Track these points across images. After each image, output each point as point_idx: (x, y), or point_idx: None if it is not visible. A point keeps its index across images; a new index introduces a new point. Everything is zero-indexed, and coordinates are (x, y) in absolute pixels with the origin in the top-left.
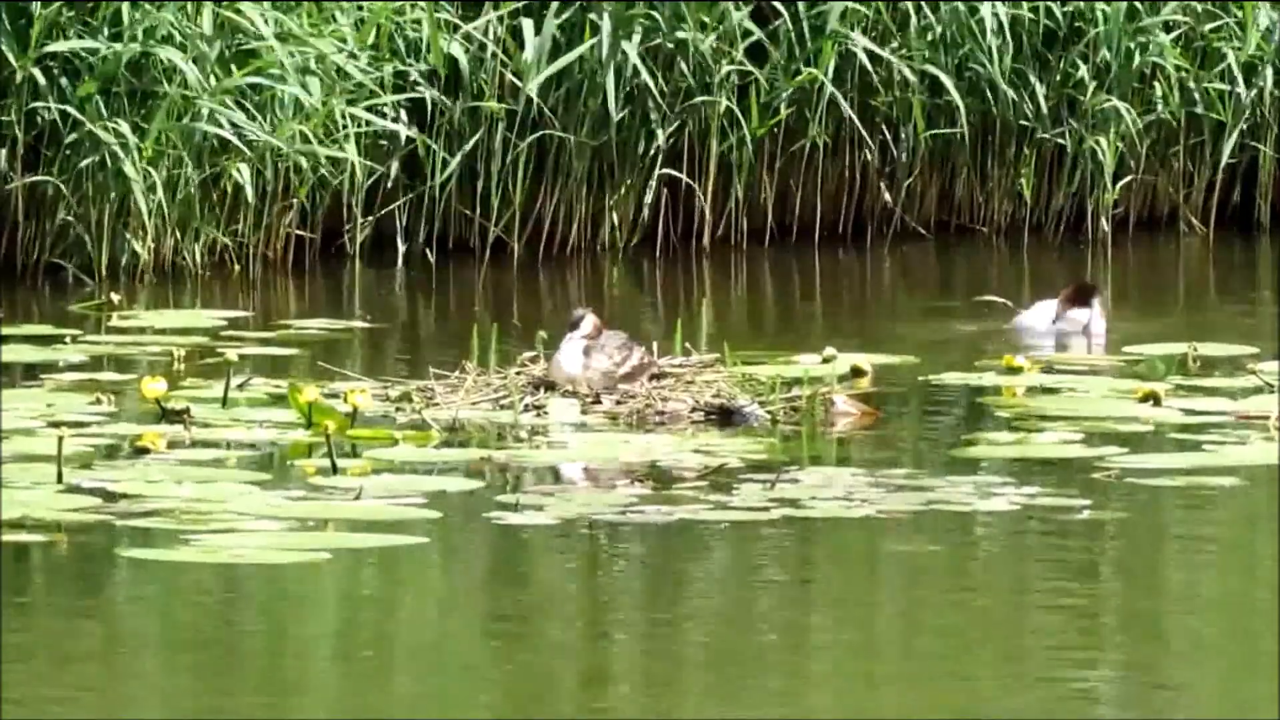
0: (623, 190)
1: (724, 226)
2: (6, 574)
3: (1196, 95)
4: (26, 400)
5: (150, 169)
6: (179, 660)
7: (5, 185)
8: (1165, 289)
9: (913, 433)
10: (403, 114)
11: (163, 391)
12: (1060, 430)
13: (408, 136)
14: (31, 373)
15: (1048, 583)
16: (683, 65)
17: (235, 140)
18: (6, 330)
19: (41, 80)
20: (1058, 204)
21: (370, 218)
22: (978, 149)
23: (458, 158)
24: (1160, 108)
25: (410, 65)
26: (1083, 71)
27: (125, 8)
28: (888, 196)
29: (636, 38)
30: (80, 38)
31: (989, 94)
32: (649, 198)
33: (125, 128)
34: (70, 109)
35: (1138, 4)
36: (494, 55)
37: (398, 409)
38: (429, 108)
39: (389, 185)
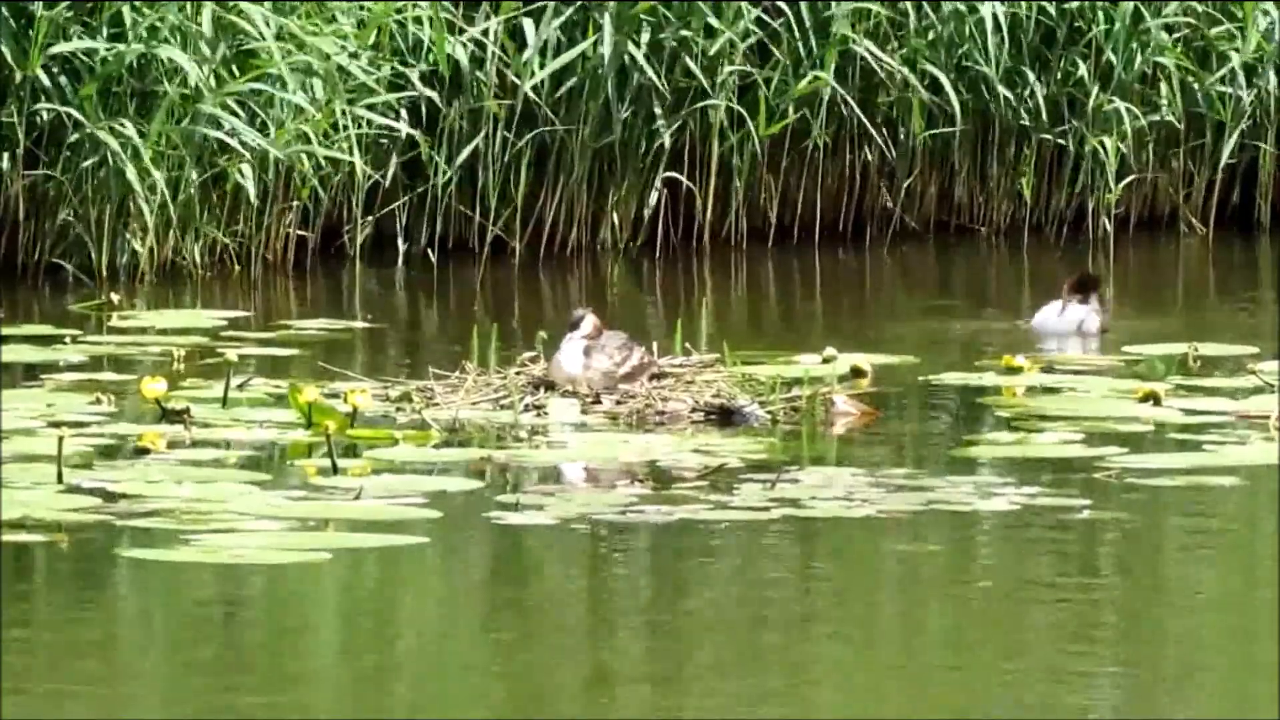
0: (624, 190)
1: (724, 226)
2: (7, 574)
3: (1199, 96)
4: (27, 400)
5: (151, 169)
6: (179, 660)
7: (6, 186)
8: (1165, 289)
9: (913, 433)
10: (403, 114)
11: (163, 392)
12: (1060, 430)
13: (409, 137)
14: (32, 373)
15: (1048, 582)
16: (686, 64)
17: (235, 145)
18: (7, 330)
19: (45, 81)
20: (1058, 204)
21: (370, 218)
22: (977, 149)
23: (459, 158)
24: (1164, 108)
25: (412, 65)
26: (1082, 71)
27: (126, 9)
28: (888, 196)
29: (644, 37)
30: (81, 38)
31: (988, 94)
32: (652, 199)
33: (128, 128)
34: (71, 110)
35: (1140, 5)
36: (494, 56)
37: (398, 409)
38: (429, 108)
39: (389, 185)
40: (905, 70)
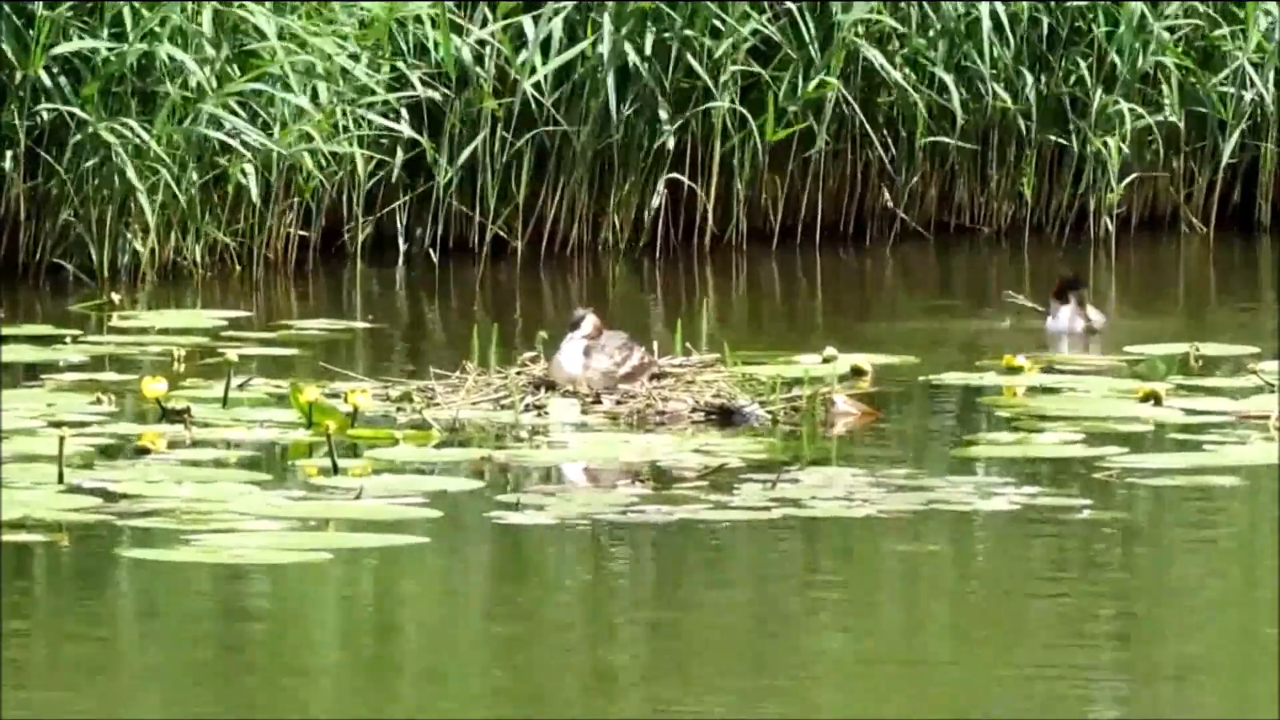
0: (625, 190)
1: (725, 227)
2: (7, 574)
3: (1201, 96)
4: (27, 400)
5: (153, 169)
6: (180, 660)
7: (7, 186)
8: (1166, 289)
9: (913, 433)
10: (404, 114)
11: (163, 392)
12: (1061, 430)
13: (409, 136)
14: (32, 373)
15: (1048, 582)
16: (689, 64)
17: (236, 145)
18: (7, 330)
19: (46, 81)
20: (1059, 204)
21: (371, 217)
22: (979, 150)
23: (461, 158)
24: (1167, 109)
25: (414, 66)
26: (1082, 70)
27: (126, 9)
28: (888, 197)
29: (649, 37)
30: (82, 38)
31: (989, 94)
32: (656, 201)
33: (131, 128)
34: (73, 110)
35: (1145, 6)
36: (493, 51)
37: (398, 409)
38: (430, 107)
39: (390, 185)
40: (903, 77)
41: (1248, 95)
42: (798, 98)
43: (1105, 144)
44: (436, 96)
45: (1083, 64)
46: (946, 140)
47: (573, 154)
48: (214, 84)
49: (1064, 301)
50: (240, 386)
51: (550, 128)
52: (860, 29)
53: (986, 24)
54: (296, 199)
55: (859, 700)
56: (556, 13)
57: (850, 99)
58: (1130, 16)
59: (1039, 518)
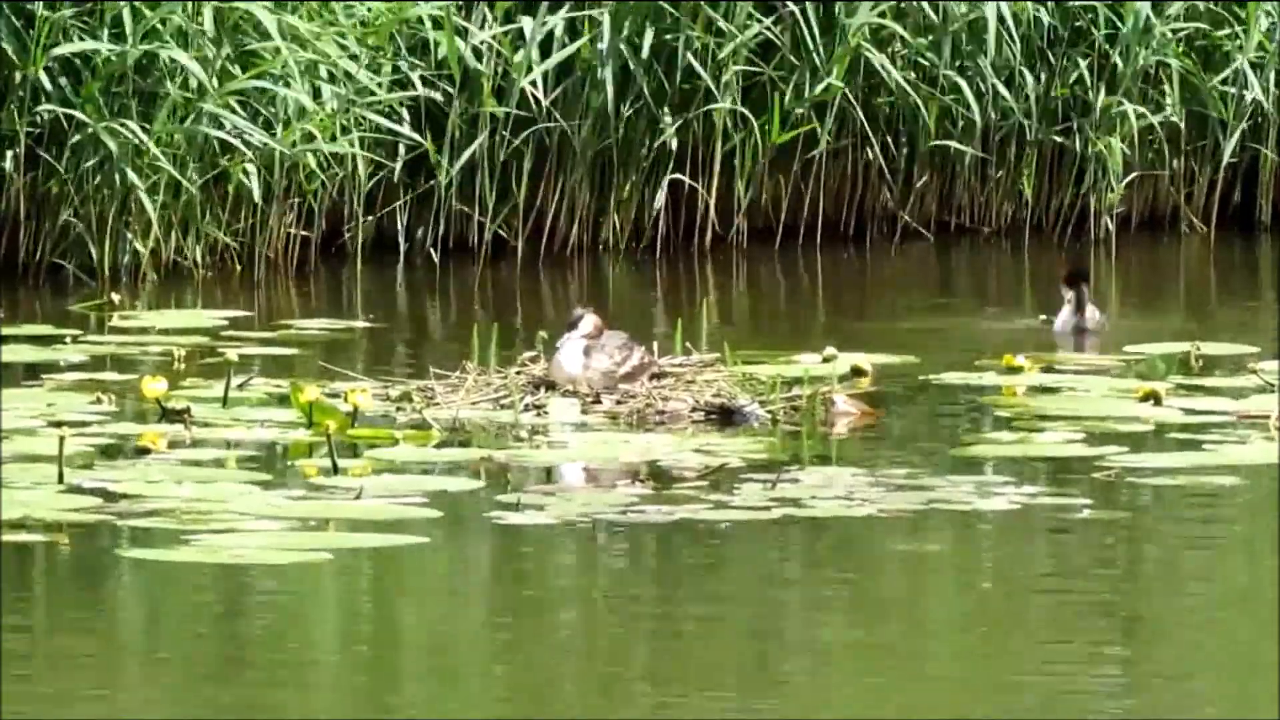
0: (625, 190)
1: (726, 226)
2: (7, 574)
3: (1202, 96)
4: (27, 400)
5: (154, 169)
6: (180, 660)
7: (7, 185)
8: (1166, 288)
9: (913, 432)
10: (404, 114)
11: (163, 391)
12: (1061, 430)
13: (411, 138)
14: (32, 372)
15: (1048, 582)
16: (690, 64)
17: (238, 143)
18: (7, 330)
19: (45, 81)
20: (1059, 204)
21: (371, 217)
22: (979, 148)
23: (463, 158)
24: (1169, 109)
25: (415, 66)
26: (1082, 69)
27: (126, 12)
28: (889, 196)
29: (648, 36)
30: (82, 39)
31: (989, 92)
32: (658, 201)
33: (131, 128)
34: (73, 110)
35: (1148, 6)
36: (496, 53)
37: (398, 409)
38: (431, 107)
39: (390, 185)
40: (906, 79)
41: (1249, 96)
42: (803, 101)
43: (1109, 145)
44: (437, 97)
45: (1082, 64)
46: (960, 147)
47: (573, 153)
48: (215, 83)
49: (1073, 287)
50: (240, 386)
51: (549, 124)
52: (864, 32)
53: (993, 25)
54: (297, 199)
55: (860, 699)
56: (552, 11)
57: (853, 100)
58: (1135, 17)
59: (1039, 517)
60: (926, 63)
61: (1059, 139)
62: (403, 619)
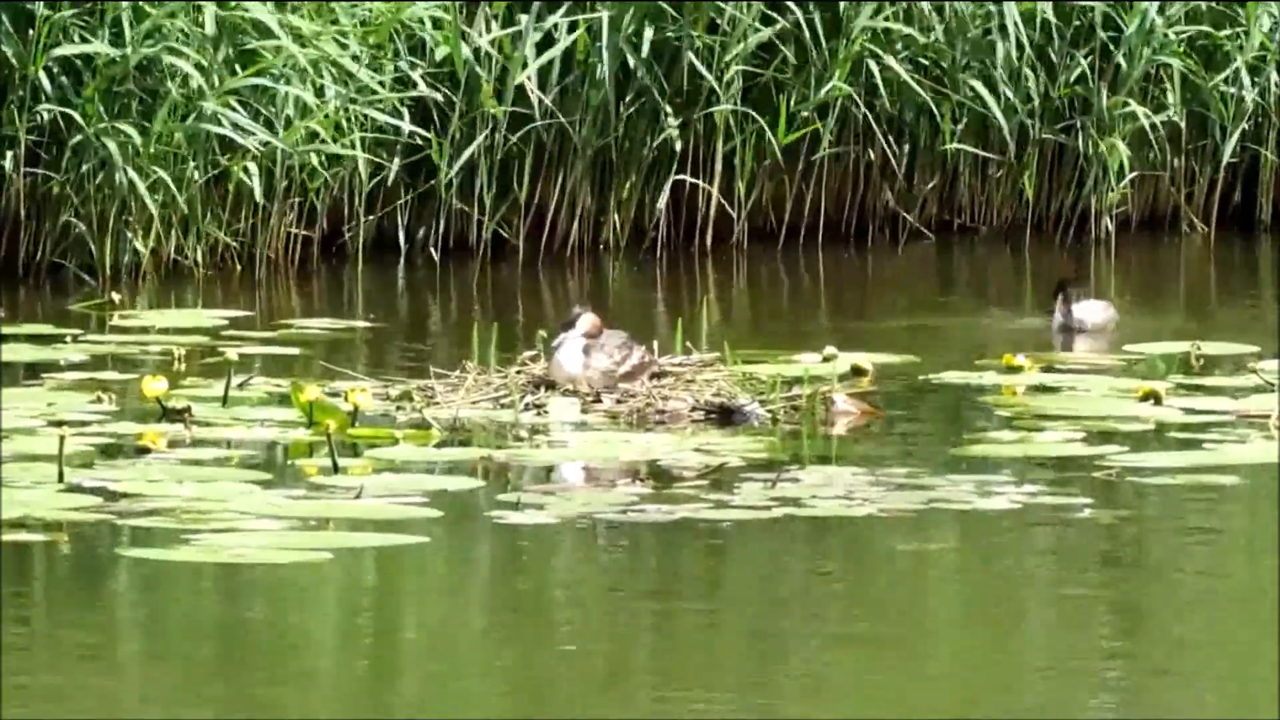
0: (625, 190)
1: (727, 226)
2: (7, 574)
3: (1203, 96)
4: (27, 399)
5: (154, 168)
6: (179, 659)
7: (7, 185)
8: (1167, 288)
9: (913, 432)
10: (405, 113)
11: (164, 391)
12: (1061, 429)
13: (411, 135)
14: (33, 372)
15: (1048, 581)
16: (692, 64)
17: (240, 140)
18: (7, 330)
19: (44, 81)
20: (1060, 204)
21: (371, 217)
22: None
23: (463, 156)
24: (1172, 109)
25: (417, 65)
26: (1083, 67)
27: (125, 14)
28: (890, 195)
29: (647, 34)
30: (83, 39)
31: (992, 93)
32: (661, 201)
33: (129, 130)
34: (73, 111)
35: (1153, 7)
36: (497, 49)
37: (398, 408)
38: (430, 108)
39: (390, 184)
40: (915, 82)
41: (1249, 96)
42: (808, 103)
43: (1111, 145)
44: (438, 96)
45: (1084, 63)
46: (980, 153)
47: (573, 152)
48: (215, 81)
49: (1060, 292)
50: (241, 386)
51: (547, 120)
52: (868, 35)
53: (1012, 27)
54: (298, 198)
55: (862, 698)
56: (551, 10)
57: (858, 100)
58: (1141, 18)
59: (1039, 517)
60: (928, 63)
61: (1060, 139)
62: (403, 619)
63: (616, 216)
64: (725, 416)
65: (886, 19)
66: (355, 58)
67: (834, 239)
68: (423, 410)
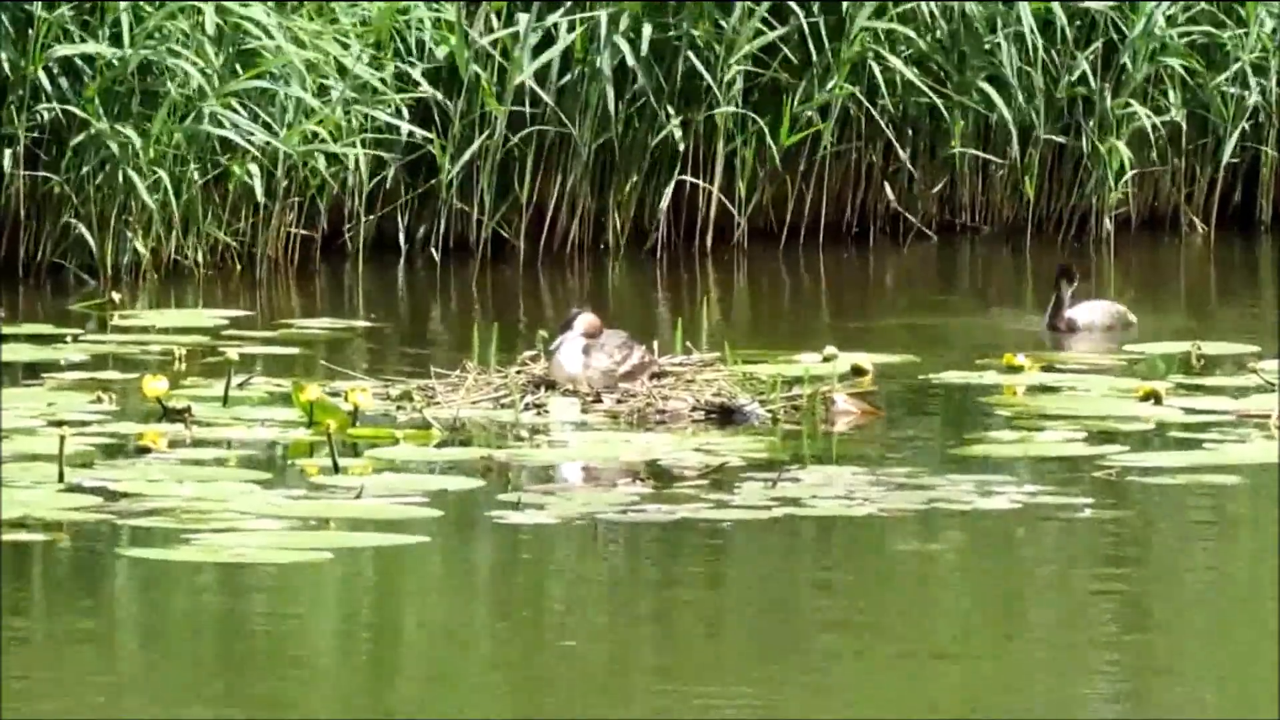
0: (625, 190)
1: (727, 225)
2: (7, 573)
3: (1204, 96)
4: (28, 399)
5: (155, 168)
6: (179, 659)
7: (7, 185)
8: (1167, 288)
9: (913, 431)
10: (404, 112)
11: (164, 390)
12: (1061, 429)
13: (410, 135)
14: (33, 372)
15: (1049, 581)
16: (692, 63)
17: (241, 141)
18: (8, 330)
19: (44, 81)
20: (1061, 204)
21: (371, 217)
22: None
23: (465, 157)
24: (1173, 110)
25: (416, 65)
26: (1085, 69)
27: (125, 15)
28: (891, 196)
29: (645, 31)
30: (82, 40)
31: (1000, 94)
32: (664, 201)
33: (129, 130)
34: (74, 110)
35: (1159, 9)
36: (496, 48)
37: (399, 408)
38: (431, 107)
39: (390, 184)
40: (917, 77)
41: (1251, 97)
42: (811, 103)
43: (1113, 146)
44: (439, 96)
45: (1085, 64)
46: (990, 158)
47: (573, 152)
48: (215, 83)
49: (1057, 285)
50: (241, 385)
51: (544, 127)
52: (870, 35)
53: (1028, 29)
54: (298, 198)
55: (865, 698)
56: (550, 9)
57: (862, 99)
58: (1147, 19)
59: (1040, 516)
60: (934, 65)
61: (1062, 139)
62: (403, 618)
63: (617, 216)
64: (725, 416)
65: (890, 19)
66: (356, 57)
67: (835, 239)
68: (423, 410)
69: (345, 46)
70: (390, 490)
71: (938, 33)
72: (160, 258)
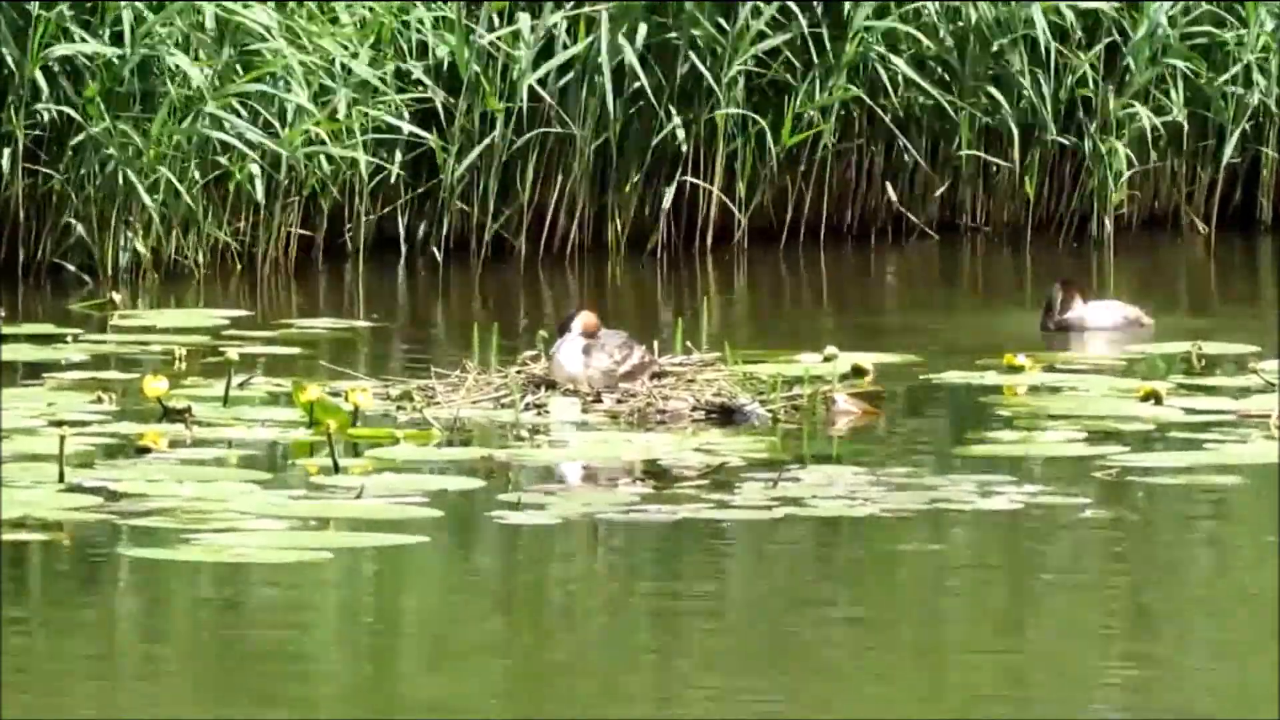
0: (626, 190)
1: (728, 225)
2: (7, 574)
3: (1205, 96)
4: (28, 399)
5: (155, 168)
6: (181, 659)
7: (6, 185)
8: (1167, 288)
9: (914, 431)
10: (405, 113)
11: (164, 390)
12: (1062, 429)
13: (418, 136)
14: (33, 372)
15: (1050, 581)
16: (693, 64)
17: (239, 144)
18: (8, 330)
19: (43, 81)
20: (1062, 204)
21: (373, 217)
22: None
23: (468, 158)
24: (1175, 110)
25: (414, 65)
26: (1086, 69)
27: (125, 14)
28: (893, 196)
29: (642, 30)
30: (82, 39)
31: (1006, 97)
32: (666, 201)
33: (130, 130)
34: (73, 110)
35: (1165, 7)
36: (498, 49)
37: (399, 408)
38: (432, 107)
39: (391, 184)
40: (920, 78)
41: (1253, 97)
42: (813, 103)
43: (1114, 147)
44: (442, 95)
45: (1087, 65)
46: (997, 161)
47: (574, 152)
48: (216, 83)
49: (1059, 289)
50: (241, 385)
51: (547, 129)
52: (873, 36)
53: (1041, 25)
54: (298, 198)
55: (866, 697)
56: (554, 10)
57: (865, 98)
58: (1150, 21)
59: (1040, 516)
60: (939, 67)
61: (1063, 139)
62: (403, 618)
63: (617, 217)
64: (726, 416)
65: (892, 19)
66: (355, 56)
67: (836, 239)
68: (423, 410)
69: (345, 47)
70: (390, 490)
71: (941, 34)
72: (160, 258)
